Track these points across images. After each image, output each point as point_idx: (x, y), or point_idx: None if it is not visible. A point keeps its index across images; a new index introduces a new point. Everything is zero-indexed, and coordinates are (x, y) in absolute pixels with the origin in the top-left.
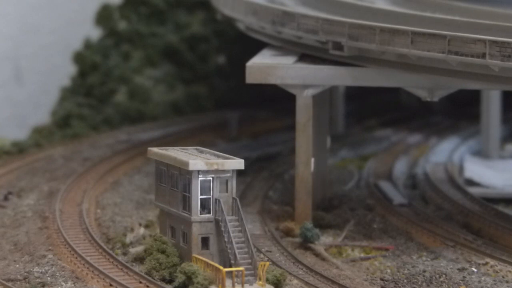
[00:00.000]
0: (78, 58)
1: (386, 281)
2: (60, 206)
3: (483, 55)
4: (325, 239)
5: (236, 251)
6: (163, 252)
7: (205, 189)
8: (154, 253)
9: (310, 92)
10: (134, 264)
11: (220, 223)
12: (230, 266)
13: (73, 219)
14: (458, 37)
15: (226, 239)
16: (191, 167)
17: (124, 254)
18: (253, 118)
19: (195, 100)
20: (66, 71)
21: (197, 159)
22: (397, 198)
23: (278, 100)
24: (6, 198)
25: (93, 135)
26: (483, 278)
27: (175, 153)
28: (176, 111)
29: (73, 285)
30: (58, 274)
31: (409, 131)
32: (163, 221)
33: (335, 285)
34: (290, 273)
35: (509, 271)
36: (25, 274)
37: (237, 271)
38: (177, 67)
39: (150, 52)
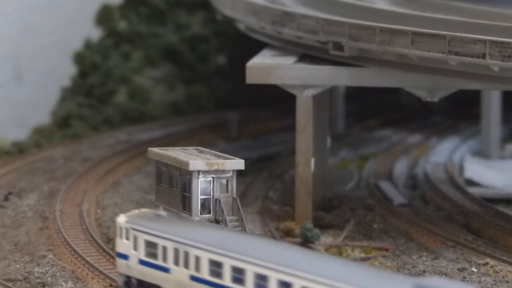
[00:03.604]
0: (78, 58)
1: None
2: (60, 206)
3: (483, 55)
4: (325, 239)
5: None
6: None
7: (205, 189)
8: None
9: (310, 92)
10: None
11: (221, 223)
12: None
13: (74, 219)
14: (458, 37)
15: None
16: (191, 167)
17: None
18: (253, 118)
19: (195, 100)
20: (66, 71)
21: (197, 159)
22: (397, 198)
23: (278, 100)
24: (6, 198)
25: (93, 135)
26: (483, 278)
27: (175, 153)
28: (176, 111)
29: (73, 285)
30: (58, 274)
31: (409, 131)
32: None
33: None
34: None
35: (509, 271)
36: (26, 274)
37: None
38: (177, 67)
39: (150, 52)
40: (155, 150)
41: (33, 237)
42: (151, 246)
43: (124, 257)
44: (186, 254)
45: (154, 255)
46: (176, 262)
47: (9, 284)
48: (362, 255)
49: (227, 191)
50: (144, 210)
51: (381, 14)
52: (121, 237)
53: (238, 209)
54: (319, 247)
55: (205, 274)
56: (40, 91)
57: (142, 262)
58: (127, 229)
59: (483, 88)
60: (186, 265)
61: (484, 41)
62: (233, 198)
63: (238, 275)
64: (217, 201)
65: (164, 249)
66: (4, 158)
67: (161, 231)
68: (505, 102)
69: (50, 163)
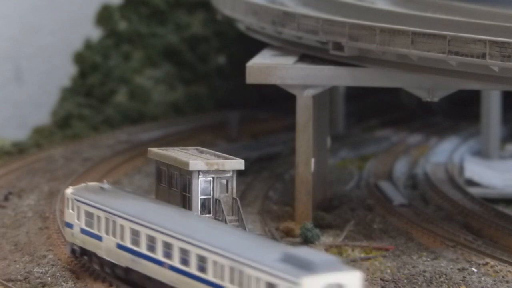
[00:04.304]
0: (79, 58)
1: (386, 281)
2: (60, 206)
3: (483, 55)
4: (325, 239)
5: None
6: None
7: (205, 189)
8: None
9: (310, 92)
10: None
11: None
12: None
13: None
14: (458, 37)
15: None
16: (191, 168)
17: None
18: (253, 118)
19: (195, 100)
20: (66, 71)
21: (197, 160)
22: (397, 198)
23: (278, 100)
24: (6, 198)
25: (93, 136)
26: (483, 278)
27: (175, 153)
28: (176, 111)
29: (73, 285)
30: (58, 274)
31: (409, 131)
32: None
33: None
34: None
35: (509, 271)
36: (26, 274)
37: None
38: (178, 67)
39: (150, 53)
40: (155, 150)
41: (33, 237)
42: (89, 216)
43: (70, 226)
44: (114, 224)
45: (91, 225)
46: (107, 231)
47: (9, 284)
48: (362, 255)
49: (227, 191)
50: (91, 183)
51: (382, 14)
52: (67, 207)
53: (238, 209)
54: (319, 247)
55: (127, 242)
56: (40, 91)
57: (83, 231)
58: (72, 200)
59: (483, 88)
60: (114, 234)
61: (484, 41)
62: (233, 198)
63: (151, 243)
64: (217, 201)
65: (99, 218)
66: (4, 158)
67: (97, 202)
68: (505, 102)
69: (50, 163)
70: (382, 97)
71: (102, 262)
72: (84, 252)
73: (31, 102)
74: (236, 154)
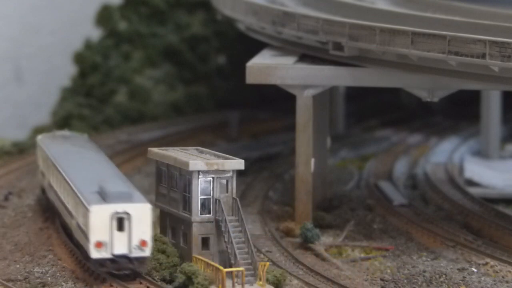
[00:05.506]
0: (79, 58)
1: (386, 281)
2: None
3: (483, 56)
4: (325, 239)
5: (236, 251)
6: (163, 252)
7: (205, 189)
8: (154, 253)
9: (310, 92)
10: None
11: (220, 223)
12: (230, 267)
13: None
14: (458, 38)
15: (226, 239)
16: (191, 168)
17: None
18: (253, 118)
19: (195, 100)
20: (66, 72)
21: (197, 160)
22: (397, 198)
23: (278, 100)
24: (6, 198)
25: (93, 136)
26: (483, 278)
27: (176, 153)
28: (176, 111)
29: (73, 285)
30: (58, 274)
31: (409, 131)
32: (163, 221)
33: (335, 285)
34: (290, 273)
35: (509, 271)
36: (26, 274)
37: (237, 271)
38: (178, 68)
39: (150, 53)
40: (155, 150)
41: (33, 237)
42: (43, 158)
43: (37, 167)
44: (49, 165)
45: (44, 166)
46: (47, 170)
47: (9, 284)
48: (362, 255)
49: (227, 191)
50: (59, 131)
51: (381, 14)
52: (37, 151)
53: (238, 209)
54: (319, 247)
55: (51, 180)
56: (40, 91)
57: (41, 172)
58: (38, 145)
59: (483, 88)
60: (48, 173)
61: (484, 41)
62: (233, 198)
63: (57, 181)
64: (217, 201)
65: (45, 160)
66: (4, 158)
67: (47, 146)
68: (505, 102)
69: None
70: (382, 97)
71: (46, 197)
72: (43, 190)
73: (31, 102)
74: (236, 154)
